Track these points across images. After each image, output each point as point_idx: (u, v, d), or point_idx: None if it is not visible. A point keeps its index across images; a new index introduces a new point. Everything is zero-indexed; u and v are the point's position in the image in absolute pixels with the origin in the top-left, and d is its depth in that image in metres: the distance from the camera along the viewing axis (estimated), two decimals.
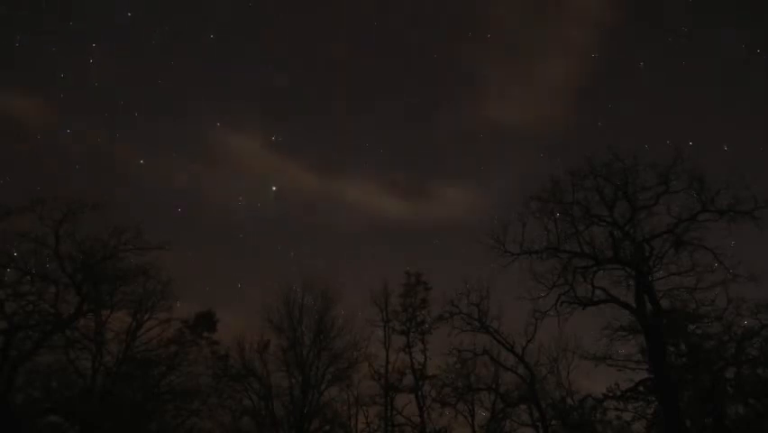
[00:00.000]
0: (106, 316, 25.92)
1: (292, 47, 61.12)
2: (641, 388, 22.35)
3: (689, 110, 53.55)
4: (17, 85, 49.74)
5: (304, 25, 58.85)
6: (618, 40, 57.69)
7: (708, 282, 20.80)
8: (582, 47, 63.45)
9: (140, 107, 57.25)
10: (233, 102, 59.46)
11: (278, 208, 57.63)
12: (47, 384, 23.74)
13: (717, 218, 20.72)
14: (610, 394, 22.99)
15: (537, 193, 23.37)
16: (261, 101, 59.49)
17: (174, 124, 59.93)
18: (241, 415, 29.28)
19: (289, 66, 59.53)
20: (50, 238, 23.28)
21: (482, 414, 28.43)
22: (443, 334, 27.95)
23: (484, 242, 23.56)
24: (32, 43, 43.27)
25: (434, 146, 62.82)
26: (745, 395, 20.46)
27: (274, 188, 51.11)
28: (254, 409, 29.04)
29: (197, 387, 28.00)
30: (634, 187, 22.16)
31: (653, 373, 21.13)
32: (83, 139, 50.30)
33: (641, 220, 22.08)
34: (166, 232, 52.93)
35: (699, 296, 21.18)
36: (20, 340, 22.27)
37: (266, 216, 54.81)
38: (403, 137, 63.64)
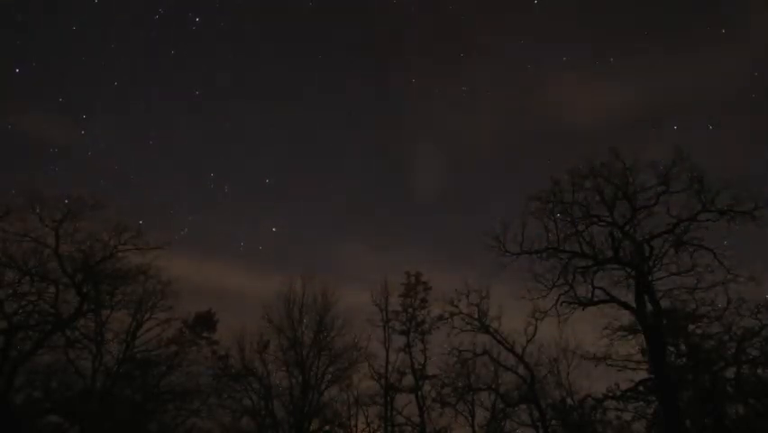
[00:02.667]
0: (106, 316, 25.97)
1: None
2: (641, 388, 22.35)
3: None
4: None
5: None
6: None
7: (708, 282, 20.76)
8: None
9: None
10: None
11: None
12: (47, 384, 23.76)
13: (717, 218, 20.72)
14: (610, 394, 23.00)
15: (537, 193, 23.41)
16: None
17: None
18: (241, 415, 29.26)
19: None
20: (50, 238, 23.34)
21: (482, 414, 28.44)
22: (443, 334, 28.05)
23: (484, 241, 23.61)
24: None
25: None
26: (745, 395, 20.46)
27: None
28: (254, 409, 29.02)
29: (197, 387, 28.05)
30: (634, 187, 22.17)
31: (653, 372, 21.13)
32: None
33: (641, 220, 22.08)
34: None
35: (699, 296, 21.15)
36: (20, 340, 22.30)
37: None
38: None
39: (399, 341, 31.11)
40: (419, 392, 29.57)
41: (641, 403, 23.21)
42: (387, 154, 66.94)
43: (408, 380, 30.18)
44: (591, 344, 25.76)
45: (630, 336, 22.94)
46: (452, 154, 65.00)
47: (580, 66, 58.41)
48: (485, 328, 26.60)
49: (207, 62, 56.37)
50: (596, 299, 22.09)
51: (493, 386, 27.64)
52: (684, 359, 22.69)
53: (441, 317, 28.40)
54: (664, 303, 21.54)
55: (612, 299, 21.84)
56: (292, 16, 61.09)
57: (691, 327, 22.56)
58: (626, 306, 21.46)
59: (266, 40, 60.21)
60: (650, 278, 21.29)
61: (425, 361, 30.36)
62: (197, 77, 60.52)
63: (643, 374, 22.57)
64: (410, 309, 31.65)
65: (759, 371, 21.00)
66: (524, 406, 26.63)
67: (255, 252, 59.42)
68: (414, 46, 66.33)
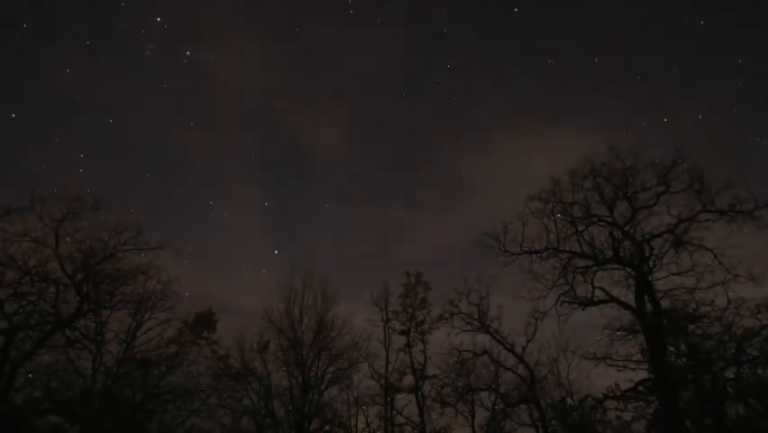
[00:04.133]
0: (106, 316, 25.95)
1: None
2: (641, 388, 22.30)
3: None
4: None
5: None
6: None
7: (708, 282, 20.80)
8: None
9: None
10: None
11: None
12: (47, 384, 23.72)
13: (717, 218, 20.73)
14: (610, 394, 22.94)
15: (537, 193, 23.42)
16: None
17: None
18: (241, 415, 29.25)
19: None
20: (50, 238, 23.33)
21: (482, 414, 28.44)
22: (443, 334, 28.06)
23: (484, 241, 23.62)
24: None
25: None
26: (745, 395, 20.41)
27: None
28: (254, 409, 29.02)
29: (197, 387, 28.06)
30: (634, 187, 22.19)
31: (653, 373, 21.12)
32: None
33: (641, 220, 22.10)
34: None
35: (699, 296, 21.18)
36: (20, 340, 22.28)
37: None
38: None
39: (399, 341, 31.21)
40: (419, 392, 29.58)
41: (641, 403, 23.14)
42: None
43: (408, 380, 30.26)
44: (591, 344, 25.81)
45: (630, 336, 22.92)
46: None
47: None
48: (485, 328, 26.61)
49: None
50: (596, 299, 22.13)
51: (493, 386, 27.65)
52: (684, 359, 22.64)
53: (441, 317, 28.42)
54: (664, 303, 21.58)
55: (612, 299, 21.85)
56: None
57: (691, 327, 22.50)
58: (626, 306, 21.46)
59: None
60: (650, 278, 21.30)
61: (425, 361, 30.43)
62: None
63: (643, 374, 22.52)
64: (410, 309, 31.66)
65: (759, 371, 20.93)
66: (524, 406, 26.64)
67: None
68: None
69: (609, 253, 21.92)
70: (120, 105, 55.33)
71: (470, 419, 28.27)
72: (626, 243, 22.01)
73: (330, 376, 29.80)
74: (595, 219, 22.58)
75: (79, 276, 23.69)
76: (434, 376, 29.63)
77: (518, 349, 26.17)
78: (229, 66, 60.17)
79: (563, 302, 22.61)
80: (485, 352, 27.18)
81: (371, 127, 68.09)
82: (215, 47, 55.81)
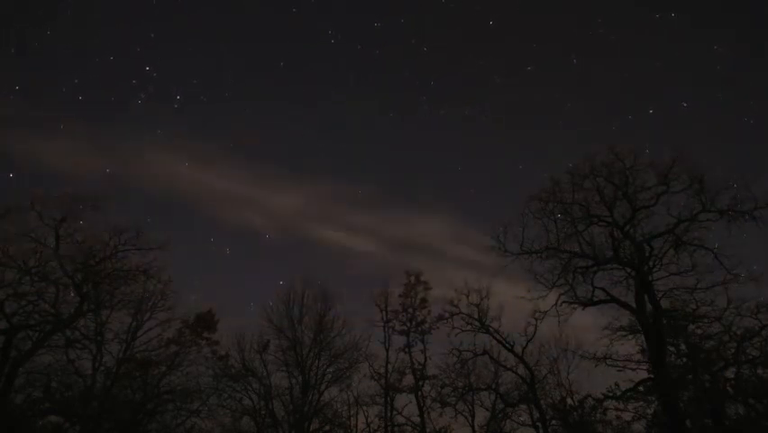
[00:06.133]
0: (106, 316, 25.95)
1: None
2: (641, 388, 22.31)
3: None
4: None
5: None
6: None
7: (708, 282, 20.83)
8: None
9: None
10: None
11: None
12: (47, 384, 23.70)
13: (718, 218, 20.74)
14: (610, 394, 22.95)
15: (537, 193, 23.42)
16: None
17: None
18: (241, 415, 29.24)
19: None
20: (50, 238, 23.31)
21: (482, 414, 28.44)
22: (443, 334, 28.06)
23: (485, 241, 23.62)
24: None
25: None
26: (745, 395, 20.41)
27: None
28: (254, 409, 29.02)
29: (197, 387, 28.01)
30: (634, 187, 22.18)
31: (653, 373, 21.12)
32: None
33: (641, 220, 22.10)
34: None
35: (699, 296, 21.19)
36: (20, 340, 22.26)
37: None
38: None
39: (399, 341, 31.21)
40: (419, 392, 29.58)
41: (641, 403, 23.17)
42: None
43: (408, 380, 30.26)
44: (591, 344, 25.81)
45: (630, 336, 22.93)
46: None
47: None
48: (485, 328, 26.62)
49: None
50: (596, 299, 22.11)
51: (493, 386, 27.65)
52: (684, 359, 22.66)
53: (441, 317, 28.44)
54: (664, 303, 21.59)
55: (612, 299, 21.84)
56: None
57: (691, 327, 22.54)
58: (626, 306, 21.45)
59: None
60: (650, 278, 21.29)
61: (425, 361, 30.44)
62: None
63: (643, 374, 22.52)
64: (410, 309, 31.68)
65: (759, 371, 20.96)
66: (524, 406, 26.67)
67: None
68: None
69: (609, 253, 21.92)
70: None
71: (470, 419, 28.28)
72: (626, 243, 22.00)
73: (330, 376, 29.83)
74: (595, 219, 22.58)
75: (79, 276, 23.67)
76: (434, 376, 29.67)
77: (518, 349, 26.22)
78: None
79: (563, 302, 22.62)
80: (485, 352, 27.20)
81: None
82: None
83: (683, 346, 22.90)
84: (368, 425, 30.28)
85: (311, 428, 28.64)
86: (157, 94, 52.74)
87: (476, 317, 26.84)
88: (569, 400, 26.04)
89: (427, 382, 29.90)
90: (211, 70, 58.62)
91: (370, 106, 65.59)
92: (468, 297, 27.17)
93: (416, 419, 29.20)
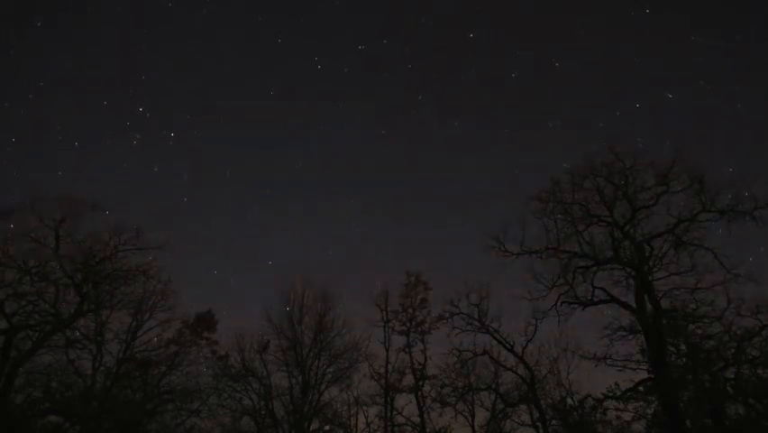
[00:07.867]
0: (106, 316, 25.95)
1: None
2: (641, 388, 22.30)
3: None
4: None
5: None
6: None
7: (708, 282, 20.83)
8: None
9: None
10: None
11: None
12: (47, 384, 23.70)
13: (718, 218, 20.74)
14: (610, 394, 22.93)
15: (537, 193, 23.42)
16: None
17: None
18: (241, 415, 29.25)
19: None
20: (50, 238, 23.29)
21: (482, 414, 28.42)
22: (443, 334, 28.05)
23: (484, 242, 23.63)
24: None
25: None
26: (745, 395, 20.39)
27: None
28: (254, 409, 29.02)
29: (197, 387, 28.03)
30: (634, 187, 22.19)
31: (653, 373, 21.11)
32: None
33: (641, 220, 22.10)
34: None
35: (699, 296, 21.19)
36: (20, 340, 22.26)
37: None
38: None
39: (399, 341, 31.20)
40: (419, 392, 29.57)
41: (641, 403, 23.13)
42: None
43: (408, 380, 30.24)
44: (591, 344, 25.80)
45: (630, 336, 22.91)
46: None
47: None
48: (485, 328, 26.61)
49: None
50: (596, 299, 22.12)
51: (493, 386, 27.63)
52: (684, 359, 22.64)
53: (441, 318, 28.43)
54: (664, 303, 21.57)
55: (612, 299, 21.84)
56: None
57: (691, 327, 22.53)
58: (626, 306, 21.45)
59: None
60: (650, 278, 21.29)
61: (425, 361, 30.42)
62: None
63: (643, 374, 22.50)
64: (410, 309, 31.66)
65: (759, 371, 20.94)
66: (524, 406, 26.64)
67: None
68: None
69: (609, 253, 21.92)
70: None
71: (470, 419, 28.26)
72: (626, 243, 22.01)
73: (330, 376, 29.86)
74: (595, 219, 22.59)
75: (79, 276, 23.67)
76: (434, 376, 29.65)
77: (518, 349, 26.19)
78: None
79: (563, 302, 22.61)
80: (485, 352, 27.18)
81: None
82: None
83: (683, 346, 22.87)
84: (368, 425, 30.30)
85: (311, 428, 28.65)
86: None
87: (476, 317, 26.85)
88: (569, 400, 26.00)
89: (427, 382, 29.89)
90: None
91: (367, 107, 65.59)
92: (468, 297, 27.20)
93: (416, 419, 29.20)
